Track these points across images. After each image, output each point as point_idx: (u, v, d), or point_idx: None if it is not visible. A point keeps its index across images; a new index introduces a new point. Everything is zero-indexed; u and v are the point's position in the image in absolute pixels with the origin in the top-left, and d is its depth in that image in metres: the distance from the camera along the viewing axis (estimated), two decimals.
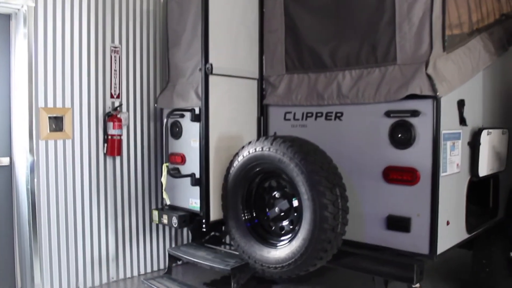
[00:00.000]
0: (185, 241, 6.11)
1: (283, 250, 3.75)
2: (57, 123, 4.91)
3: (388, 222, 3.74)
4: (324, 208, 3.46)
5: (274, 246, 3.88)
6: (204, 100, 4.09)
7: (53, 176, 4.87)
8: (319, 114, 4.14)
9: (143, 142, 5.67)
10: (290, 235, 3.83)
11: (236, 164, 4.00)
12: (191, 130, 5.01)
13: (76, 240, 5.07)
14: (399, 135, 3.67)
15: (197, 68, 4.95)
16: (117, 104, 5.37)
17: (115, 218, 5.42)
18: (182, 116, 5.06)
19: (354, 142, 3.93)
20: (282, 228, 3.94)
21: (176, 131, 5.14)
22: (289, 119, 4.36)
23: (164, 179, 4.74)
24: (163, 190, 4.79)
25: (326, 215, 3.47)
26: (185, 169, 5.08)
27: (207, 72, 4.09)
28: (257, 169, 3.94)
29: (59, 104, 4.91)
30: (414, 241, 3.62)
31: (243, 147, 4.01)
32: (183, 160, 5.11)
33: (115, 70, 5.35)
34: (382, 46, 3.79)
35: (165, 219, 5.13)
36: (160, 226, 5.78)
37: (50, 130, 4.84)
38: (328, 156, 3.69)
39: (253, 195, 4.09)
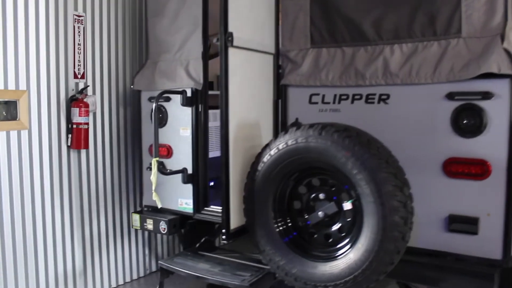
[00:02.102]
0: (159, 245, 5.27)
1: (336, 264, 3.06)
2: (9, 109, 3.94)
3: (449, 223, 3.17)
4: (395, 212, 2.83)
5: (321, 259, 3.18)
6: (224, 79, 3.27)
7: (6, 175, 3.90)
8: (357, 97, 3.49)
9: (115, 131, 4.74)
10: (343, 244, 3.16)
11: (266, 159, 3.25)
12: (179, 116, 4.23)
13: (36, 251, 4.11)
14: (465, 121, 3.10)
15: (186, 42, 4.18)
16: (82, 85, 4.41)
17: (82, 224, 4.49)
18: (168, 99, 4.24)
19: (404, 129, 3.31)
20: (328, 236, 3.26)
21: (159, 118, 4.28)
22: (315, 102, 3.66)
23: (154, 177, 3.92)
24: (153, 191, 3.96)
25: (397, 221, 2.83)
26: (171, 163, 4.27)
27: (227, 44, 3.27)
28: (296, 165, 3.22)
29: (11, 86, 3.92)
30: (483, 245, 3.08)
31: (276, 138, 3.27)
32: (169, 152, 4.30)
33: (79, 44, 4.38)
34: (443, 16, 3.19)
35: (149, 224, 4.29)
36: (132, 230, 4.89)
37: (1, 119, 3.88)
38: (387, 147, 3.06)
39: (287, 197, 3.36)
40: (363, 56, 3.46)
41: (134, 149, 4.88)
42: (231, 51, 3.30)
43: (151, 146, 4.38)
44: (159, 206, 4.05)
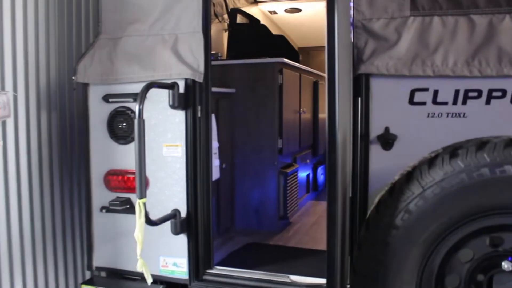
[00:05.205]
0: None
1: None
2: None
3: None
4: None
5: None
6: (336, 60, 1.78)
7: None
8: (496, 94, 2.22)
9: (36, 150, 2.93)
10: None
11: (415, 206, 1.83)
12: (162, 125, 2.67)
13: None
14: None
15: (173, 6, 2.60)
16: None
17: None
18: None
19: None
20: None
21: (123, 129, 2.66)
22: (422, 103, 2.30)
23: (140, 231, 2.29)
24: (138, 256, 2.33)
25: None
26: (147, 200, 2.64)
27: None
28: (471, 215, 1.85)
29: None
30: None
31: (431, 163, 1.87)
32: None
33: None
34: None
35: None
36: None
37: None
38: None
39: (437, 269, 1.97)
40: (510, 30, 2.19)
41: (76, 177, 3.12)
42: None
43: (108, 174, 2.73)
44: (149, 281, 2.40)
